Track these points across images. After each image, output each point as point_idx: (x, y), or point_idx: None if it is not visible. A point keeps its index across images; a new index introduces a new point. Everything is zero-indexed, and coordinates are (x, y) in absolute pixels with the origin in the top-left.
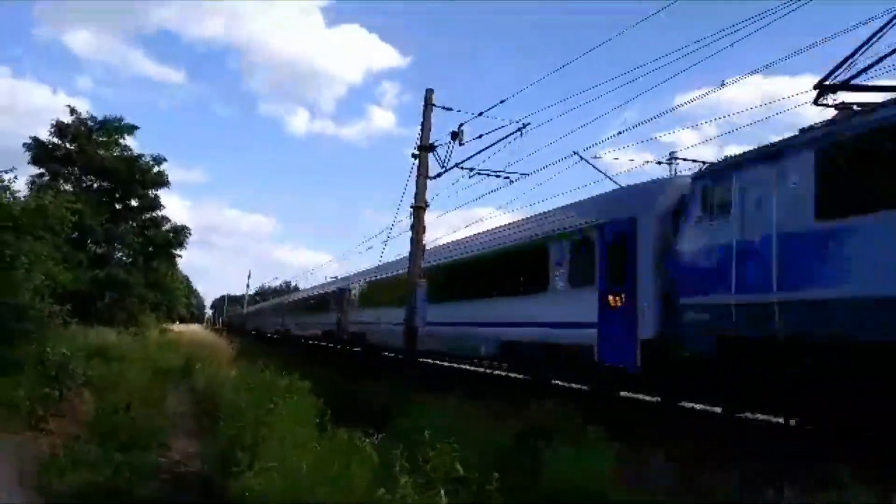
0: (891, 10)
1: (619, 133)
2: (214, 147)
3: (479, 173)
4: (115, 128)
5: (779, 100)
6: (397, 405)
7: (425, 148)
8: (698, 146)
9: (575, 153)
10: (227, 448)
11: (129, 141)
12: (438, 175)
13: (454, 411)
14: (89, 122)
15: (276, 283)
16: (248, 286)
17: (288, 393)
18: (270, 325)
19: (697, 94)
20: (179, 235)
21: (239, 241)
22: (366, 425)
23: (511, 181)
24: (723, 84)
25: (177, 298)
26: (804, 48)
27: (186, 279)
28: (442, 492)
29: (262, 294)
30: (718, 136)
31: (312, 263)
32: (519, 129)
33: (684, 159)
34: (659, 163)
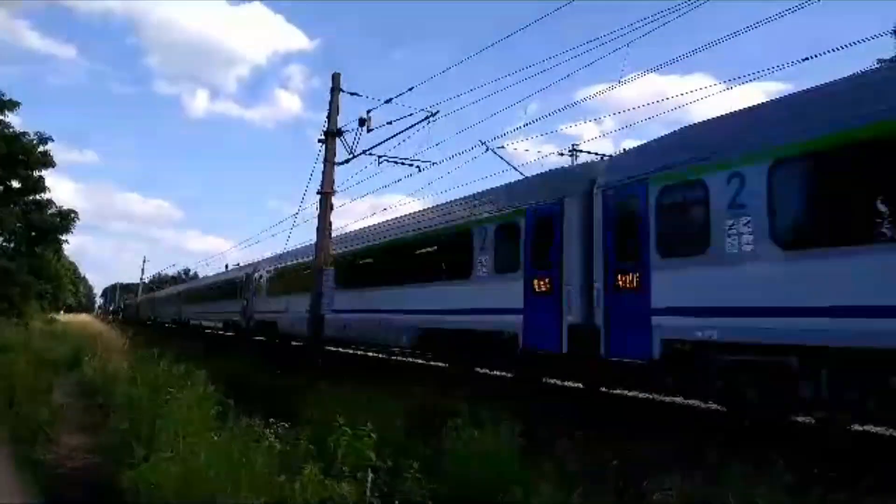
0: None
1: (525, 125)
2: (109, 127)
3: (387, 160)
4: None
5: (670, 97)
6: (303, 395)
7: (332, 133)
8: (598, 139)
9: (482, 143)
10: (120, 440)
11: (11, 118)
12: (346, 161)
13: (363, 401)
14: None
15: (174, 271)
16: (142, 273)
17: (184, 382)
18: (166, 315)
19: (599, 88)
20: (66, 220)
21: (134, 226)
22: (271, 415)
23: (420, 169)
24: (620, 81)
25: (63, 286)
26: (696, 49)
27: (74, 266)
28: (369, 479)
29: (159, 282)
30: (617, 130)
31: (214, 250)
32: (427, 118)
33: (586, 152)
34: (561, 154)
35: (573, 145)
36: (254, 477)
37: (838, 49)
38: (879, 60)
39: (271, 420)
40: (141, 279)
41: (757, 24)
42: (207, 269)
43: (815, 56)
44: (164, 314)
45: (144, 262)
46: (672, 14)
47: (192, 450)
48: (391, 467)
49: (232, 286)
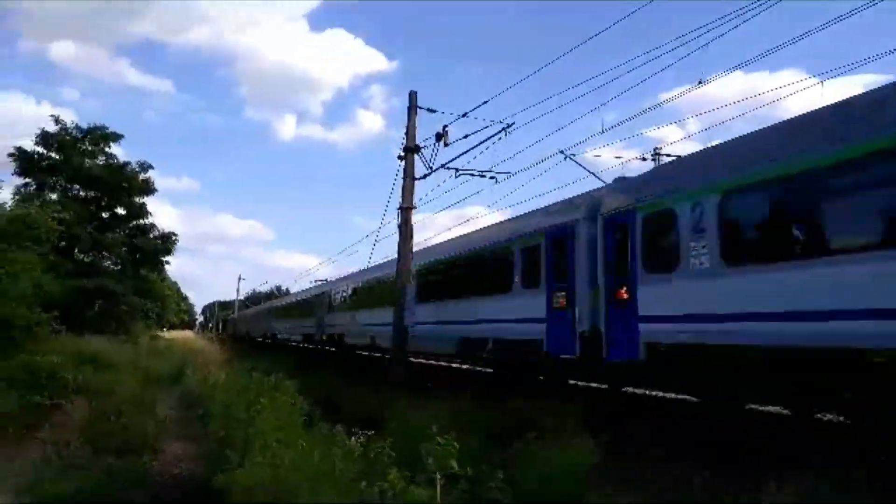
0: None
1: (603, 131)
2: (204, 155)
3: (464, 173)
4: (99, 136)
5: (758, 94)
6: (386, 404)
7: (411, 149)
8: (682, 141)
9: (560, 152)
10: (217, 448)
11: (115, 150)
12: (425, 176)
13: (438, 408)
14: (74, 132)
15: (267, 288)
16: (238, 291)
17: (275, 392)
18: (258, 330)
19: (680, 90)
20: (167, 242)
21: (230, 247)
22: (356, 424)
23: (497, 181)
24: (700, 82)
25: (167, 305)
26: (783, 44)
27: (176, 286)
28: (438, 485)
29: (253, 299)
30: (702, 131)
31: (303, 267)
32: (503, 129)
33: (668, 155)
34: (643, 158)
35: (655, 149)
36: (335, 481)
37: None
38: None
39: (354, 429)
40: (237, 296)
41: (846, 15)
42: (297, 286)
43: None
44: (256, 330)
45: (240, 280)
46: (753, 10)
47: (281, 455)
48: (472, 475)
49: (308, 305)
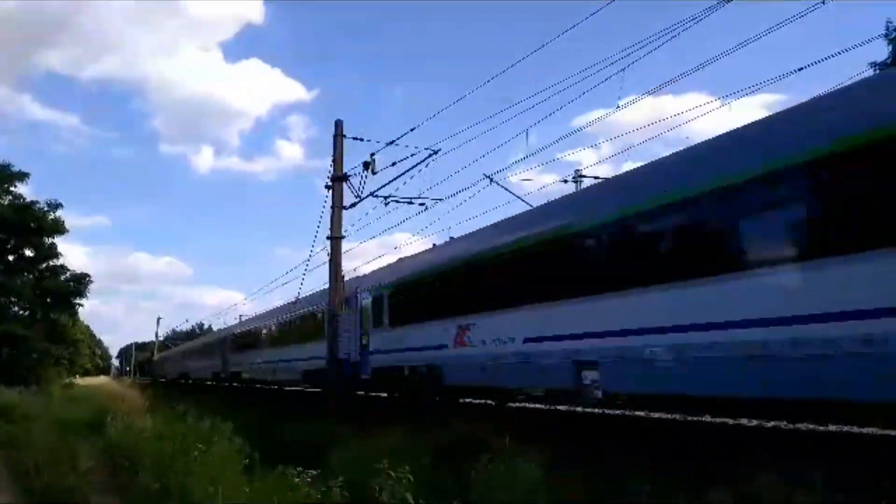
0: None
1: (526, 157)
2: (116, 191)
3: (393, 200)
4: (4, 175)
5: (666, 118)
6: (324, 441)
7: (339, 178)
8: (598, 164)
9: (486, 176)
10: (152, 499)
11: (20, 189)
12: (353, 205)
13: (384, 442)
14: None
15: (188, 326)
16: (157, 332)
17: (211, 437)
18: (174, 371)
19: (596, 115)
20: (80, 284)
21: (147, 285)
22: (297, 464)
23: (426, 207)
24: (617, 107)
25: (80, 351)
26: (688, 71)
27: (89, 329)
28: None
29: (174, 339)
30: (616, 154)
31: (227, 302)
32: (430, 155)
33: (587, 176)
34: (565, 181)
35: (576, 171)
36: None
37: (831, 57)
38: (872, 64)
39: (299, 468)
40: (156, 337)
41: (748, 41)
42: (220, 323)
43: (808, 66)
44: (173, 371)
45: (158, 320)
46: (663, 37)
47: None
48: None
49: (211, 347)
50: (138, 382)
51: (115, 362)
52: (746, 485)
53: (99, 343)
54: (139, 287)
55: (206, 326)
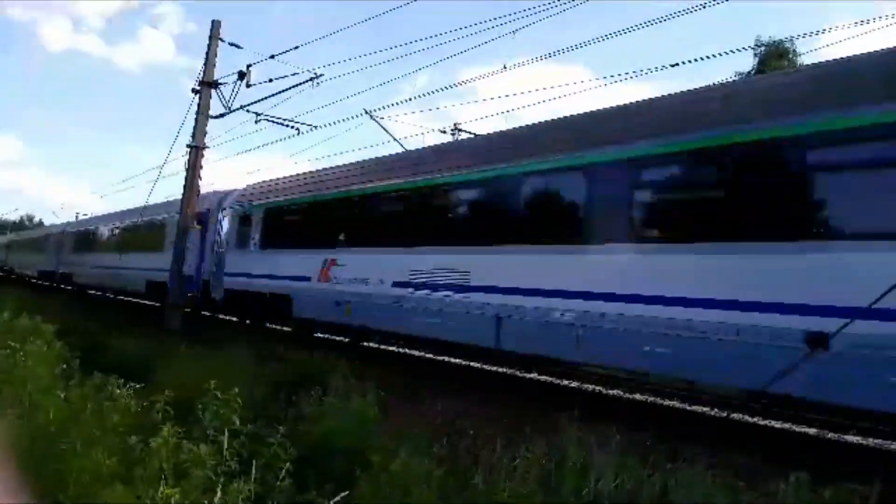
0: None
1: (410, 99)
2: None
3: (266, 119)
4: None
5: (552, 87)
6: (158, 354)
7: (208, 84)
8: (479, 121)
9: (366, 112)
10: None
11: None
12: (222, 115)
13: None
14: None
15: (16, 216)
16: None
17: (33, 336)
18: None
19: (483, 71)
20: None
21: None
22: (120, 374)
23: (300, 132)
24: (504, 67)
25: None
26: (577, 45)
27: None
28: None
29: None
30: (498, 114)
31: (66, 197)
32: (312, 79)
33: (467, 132)
34: (443, 131)
35: (455, 124)
36: (107, 436)
37: (704, 59)
38: (737, 73)
39: (121, 380)
40: None
41: (639, 26)
42: (55, 218)
43: (683, 63)
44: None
45: None
46: (560, 5)
47: (42, 406)
48: (254, 432)
49: (43, 242)
50: None
51: None
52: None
53: None
54: None
55: (36, 220)
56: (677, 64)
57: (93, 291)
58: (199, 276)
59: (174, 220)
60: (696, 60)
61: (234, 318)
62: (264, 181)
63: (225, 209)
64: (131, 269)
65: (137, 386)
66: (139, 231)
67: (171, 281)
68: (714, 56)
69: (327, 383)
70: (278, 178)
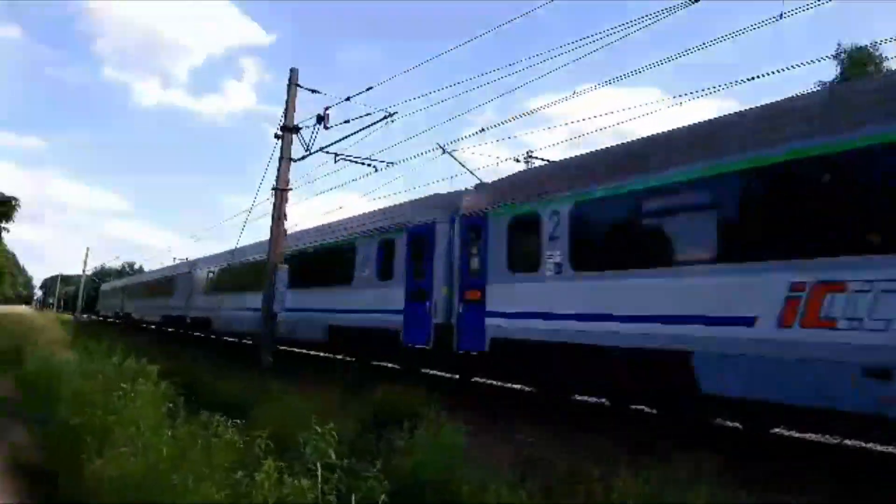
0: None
1: (482, 130)
2: (54, 112)
3: (344, 159)
4: None
5: (621, 110)
6: (253, 392)
7: (289, 129)
8: (551, 147)
9: (439, 146)
10: (72, 436)
11: None
12: (302, 158)
13: (309, 397)
14: None
15: (118, 264)
16: (85, 266)
17: (139, 377)
18: (108, 308)
19: (553, 98)
20: (5, 207)
21: (77, 216)
22: (218, 411)
23: (376, 169)
24: (574, 93)
25: (2, 277)
26: (644, 67)
27: (13, 256)
28: (321, 474)
29: (102, 275)
30: (567, 140)
31: (163, 243)
32: (386, 117)
33: (539, 158)
34: (517, 160)
35: (528, 152)
36: (214, 471)
37: (784, 70)
38: (820, 83)
39: (222, 417)
40: (83, 271)
41: (707, 44)
42: (153, 264)
43: (760, 76)
44: (107, 307)
45: (87, 253)
46: (633, 27)
47: (152, 444)
48: (348, 466)
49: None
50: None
51: (38, 293)
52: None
53: (22, 271)
54: (70, 217)
55: (136, 266)
56: (754, 77)
57: (244, 340)
58: (427, 318)
59: (368, 241)
60: (772, 73)
61: (531, 389)
62: (512, 175)
63: (473, 216)
64: (308, 312)
65: (238, 422)
66: (322, 259)
67: (262, 320)
68: (793, 67)
69: (419, 416)
70: (549, 164)
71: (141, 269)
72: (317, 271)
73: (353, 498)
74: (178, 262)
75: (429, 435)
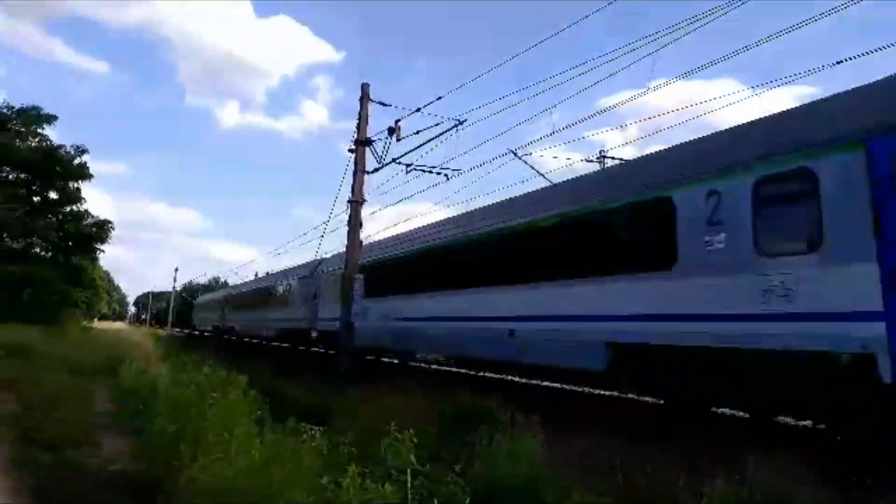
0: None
1: (552, 133)
2: (140, 139)
3: (416, 169)
4: (32, 117)
5: (696, 104)
6: (334, 401)
7: (362, 142)
8: (624, 146)
9: (510, 151)
10: (165, 443)
11: (48, 131)
12: (376, 170)
13: (389, 403)
14: (4, 111)
15: (205, 279)
16: (175, 282)
17: (227, 387)
18: (203, 322)
19: (623, 97)
20: (102, 230)
21: (165, 236)
22: (304, 419)
23: (448, 177)
24: (647, 90)
25: (99, 295)
26: (720, 58)
27: (108, 275)
28: (409, 479)
29: (190, 290)
30: (642, 138)
31: (243, 259)
32: (455, 126)
33: (612, 157)
34: (589, 160)
35: (601, 151)
36: (303, 476)
37: (867, 53)
38: None
39: (305, 424)
40: (173, 287)
41: (785, 31)
42: (236, 278)
43: (844, 61)
44: (202, 321)
45: (176, 270)
46: (698, 21)
47: (244, 450)
48: (428, 471)
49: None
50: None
51: (132, 309)
52: None
53: (117, 289)
54: (157, 237)
55: (221, 281)
56: (841, 61)
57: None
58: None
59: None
60: (859, 56)
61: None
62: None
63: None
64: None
65: (322, 429)
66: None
67: (340, 329)
68: (878, 49)
69: (496, 421)
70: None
71: (226, 284)
72: (574, 257)
73: (435, 502)
74: (294, 266)
75: (506, 440)
